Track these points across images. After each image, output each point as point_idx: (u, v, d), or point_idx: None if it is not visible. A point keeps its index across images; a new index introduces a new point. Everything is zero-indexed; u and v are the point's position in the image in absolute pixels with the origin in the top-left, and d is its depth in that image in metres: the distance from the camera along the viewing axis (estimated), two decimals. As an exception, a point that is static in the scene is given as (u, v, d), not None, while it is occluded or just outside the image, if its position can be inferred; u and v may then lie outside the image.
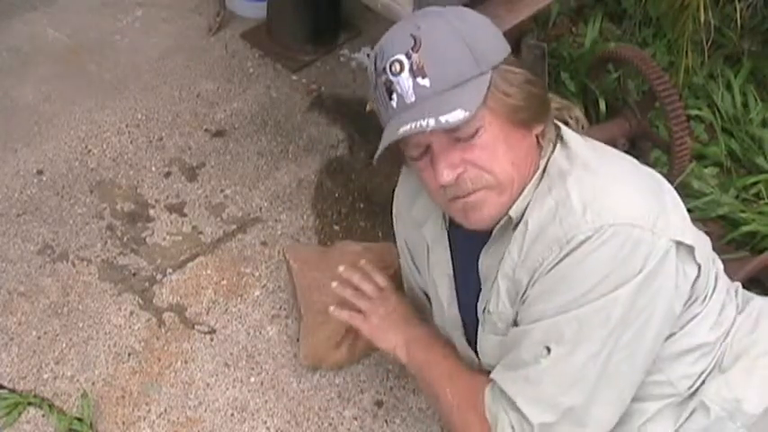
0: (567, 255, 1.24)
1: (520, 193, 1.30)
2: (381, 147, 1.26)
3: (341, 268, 1.76)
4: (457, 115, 1.19)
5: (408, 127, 1.21)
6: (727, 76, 2.49)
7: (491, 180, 1.27)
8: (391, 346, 1.62)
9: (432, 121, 1.19)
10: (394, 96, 1.24)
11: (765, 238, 2.08)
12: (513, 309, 1.35)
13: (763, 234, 2.08)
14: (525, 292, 1.31)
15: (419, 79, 1.22)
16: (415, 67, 1.22)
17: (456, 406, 1.43)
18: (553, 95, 1.38)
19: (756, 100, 2.44)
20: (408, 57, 1.22)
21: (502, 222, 1.32)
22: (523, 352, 1.30)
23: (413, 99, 1.23)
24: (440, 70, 1.22)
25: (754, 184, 2.24)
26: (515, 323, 1.36)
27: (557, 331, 1.26)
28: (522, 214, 1.31)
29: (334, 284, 1.75)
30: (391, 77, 1.24)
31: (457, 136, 1.24)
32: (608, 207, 1.23)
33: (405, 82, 1.23)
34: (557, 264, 1.25)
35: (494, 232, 1.35)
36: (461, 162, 1.26)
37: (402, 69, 1.22)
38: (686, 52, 2.33)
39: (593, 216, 1.23)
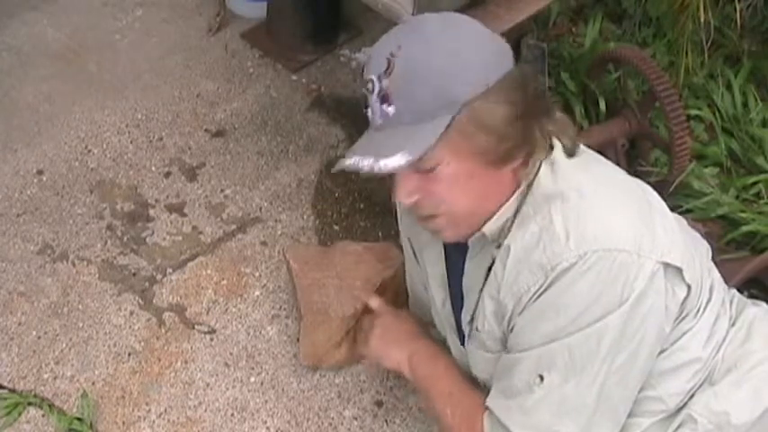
0: (552, 282, 1.23)
1: (489, 216, 1.29)
2: (336, 169, 1.26)
3: None
4: (396, 161, 1.18)
5: (350, 162, 1.23)
6: (727, 76, 2.48)
7: (447, 210, 1.27)
8: (395, 363, 1.61)
9: (369, 162, 1.20)
10: (369, 111, 1.25)
11: (765, 238, 2.08)
12: (499, 329, 1.35)
13: (763, 234, 2.08)
14: (511, 318, 1.31)
15: (385, 106, 1.21)
16: (383, 93, 1.21)
17: (456, 427, 1.43)
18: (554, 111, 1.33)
19: (756, 100, 2.44)
20: (380, 80, 1.21)
21: (476, 236, 1.32)
22: (516, 380, 1.29)
23: (379, 122, 1.23)
24: (405, 101, 1.20)
25: (754, 184, 2.23)
26: (505, 346, 1.35)
27: (549, 359, 1.25)
28: (501, 233, 1.30)
29: None
30: (367, 93, 1.24)
31: (415, 167, 1.23)
32: (592, 232, 1.22)
33: (374, 103, 1.23)
34: (543, 292, 1.24)
35: (469, 246, 1.35)
36: (418, 189, 1.26)
37: (373, 90, 1.22)
38: (686, 52, 2.32)
39: (576, 242, 1.21)
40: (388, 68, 1.21)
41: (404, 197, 1.27)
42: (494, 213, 1.29)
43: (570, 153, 1.30)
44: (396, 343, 1.63)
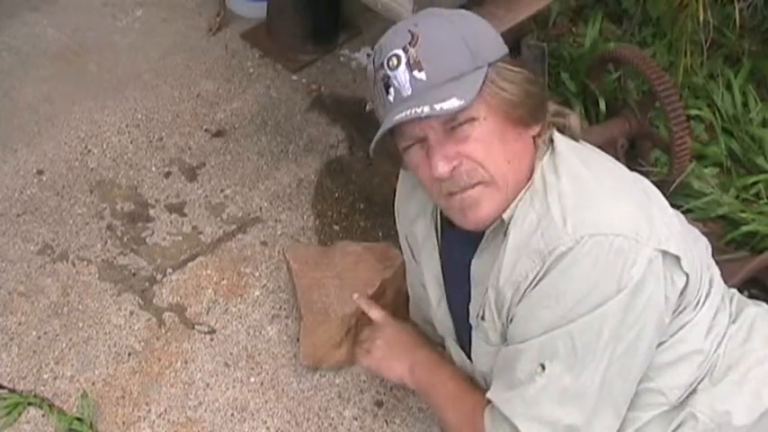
0: (550, 267, 1.23)
1: (515, 196, 1.30)
2: (378, 135, 1.27)
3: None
4: (452, 103, 1.20)
5: (404, 114, 1.22)
6: (727, 76, 2.48)
7: (485, 175, 1.27)
8: (397, 375, 1.62)
9: (426, 108, 1.21)
10: (391, 90, 1.26)
11: (765, 238, 2.08)
12: (500, 321, 1.35)
13: (763, 234, 2.08)
14: (510, 308, 1.31)
15: (415, 72, 1.24)
16: (411, 61, 1.24)
17: (458, 429, 1.43)
18: (551, 101, 1.38)
19: (756, 100, 2.43)
20: (405, 51, 1.24)
21: (494, 225, 1.32)
22: (518, 371, 1.29)
23: (409, 92, 1.24)
24: (436, 64, 1.23)
25: (754, 184, 2.23)
26: (505, 339, 1.35)
27: (550, 348, 1.25)
28: (509, 223, 1.31)
29: None
30: (389, 72, 1.25)
31: (452, 125, 1.25)
32: (589, 218, 1.23)
33: (402, 75, 1.24)
34: (541, 278, 1.25)
35: (486, 234, 1.35)
36: (456, 155, 1.26)
37: (399, 63, 1.24)
38: (686, 52, 2.33)
39: (574, 227, 1.22)
40: (412, 39, 1.24)
41: (443, 164, 1.26)
42: (520, 189, 1.30)
43: (573, 136, 1.36)
44: (398, 355, 1.63)
